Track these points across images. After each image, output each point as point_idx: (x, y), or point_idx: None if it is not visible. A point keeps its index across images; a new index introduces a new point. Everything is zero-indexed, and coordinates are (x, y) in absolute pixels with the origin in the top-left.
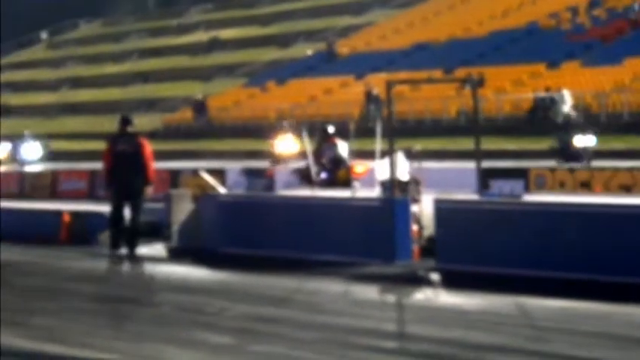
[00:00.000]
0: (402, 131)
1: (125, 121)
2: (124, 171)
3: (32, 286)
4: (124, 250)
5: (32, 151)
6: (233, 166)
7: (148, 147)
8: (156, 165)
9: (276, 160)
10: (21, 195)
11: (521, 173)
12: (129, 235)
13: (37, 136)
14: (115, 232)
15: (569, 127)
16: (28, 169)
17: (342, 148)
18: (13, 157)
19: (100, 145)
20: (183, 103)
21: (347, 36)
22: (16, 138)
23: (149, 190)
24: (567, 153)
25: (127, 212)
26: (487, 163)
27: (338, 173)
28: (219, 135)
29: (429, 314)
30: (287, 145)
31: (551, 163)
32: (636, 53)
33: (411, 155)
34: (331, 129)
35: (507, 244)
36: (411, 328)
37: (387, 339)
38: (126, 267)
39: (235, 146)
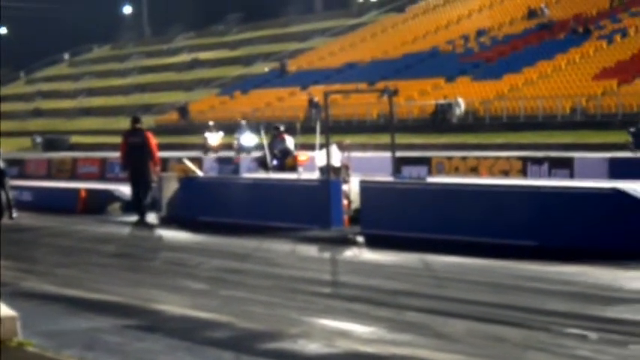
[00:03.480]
0: (336, 129)
1: (135, 120)
2: (135, 157)
3: (55, 245)
4: (135, 218)
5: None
6: (208, 156)
7: (153, 139)
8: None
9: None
10: (48, 176)
11: (425, 161)
12: (138, 206)
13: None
14: (135, 201)
15: None
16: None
17: (289, 142)
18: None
19: (108, 140)
20: (171, 108)
21: (295, 57)
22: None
23: (157, 171)
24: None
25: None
26: (400, 153)
27: (286, 161)
28: (198, 132)
29: (355, 267)
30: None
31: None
32: (513, 70)
33: (342, 147)
34: (281, 127)
35: (415, 214)
36: (342, 278)
37: (324, 286)
38: (127, 231)
39: None
